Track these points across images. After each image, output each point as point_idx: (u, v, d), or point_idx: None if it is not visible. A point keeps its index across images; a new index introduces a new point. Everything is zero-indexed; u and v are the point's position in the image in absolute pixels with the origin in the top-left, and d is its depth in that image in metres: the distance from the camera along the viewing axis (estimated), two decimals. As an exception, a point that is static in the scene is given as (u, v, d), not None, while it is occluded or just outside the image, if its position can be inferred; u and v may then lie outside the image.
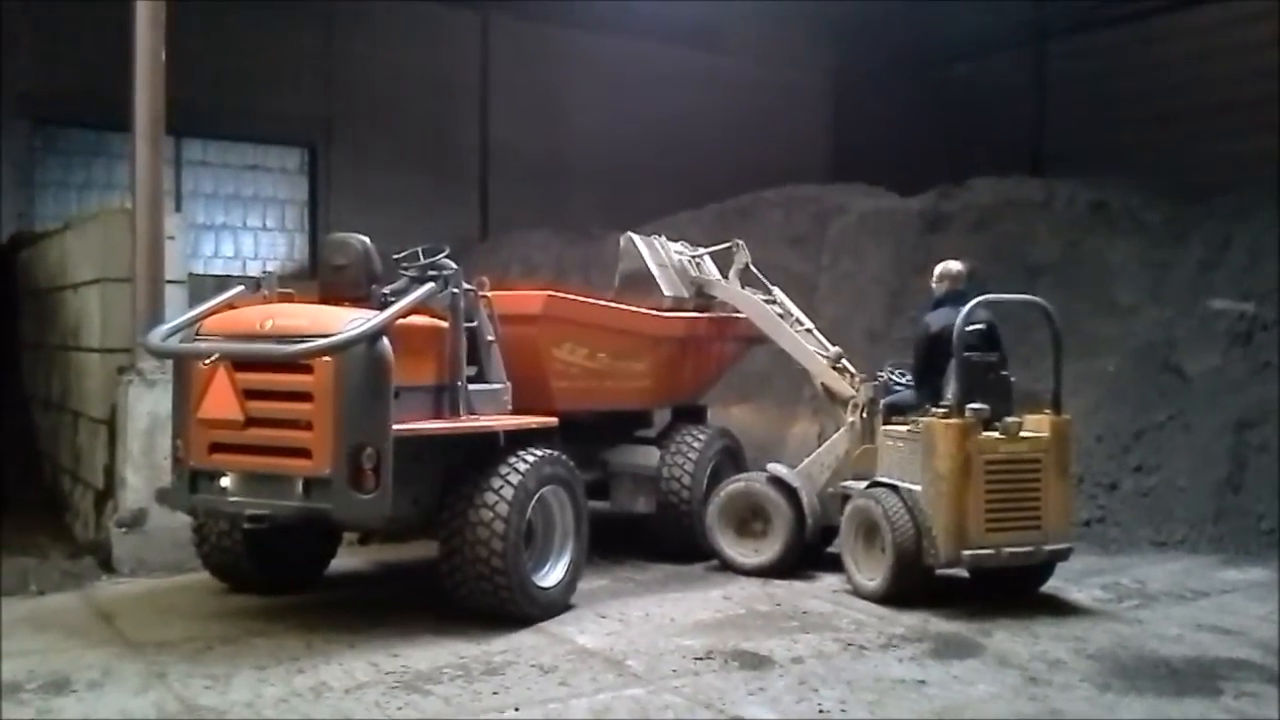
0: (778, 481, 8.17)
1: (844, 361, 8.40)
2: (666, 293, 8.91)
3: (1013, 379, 7.58)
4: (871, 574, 7.37)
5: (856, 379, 8.20)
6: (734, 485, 8.34)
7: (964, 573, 7.41)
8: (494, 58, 18.38)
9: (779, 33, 20.11)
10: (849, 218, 13.52)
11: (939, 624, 6.75)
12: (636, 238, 9.12)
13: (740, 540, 8.27)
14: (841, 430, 8.22)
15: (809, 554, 8.13)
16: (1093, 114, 16.68)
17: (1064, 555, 7.37)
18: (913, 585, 7.17)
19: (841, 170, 17.72)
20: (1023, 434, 7.17)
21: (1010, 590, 7.37)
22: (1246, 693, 5.55)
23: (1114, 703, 5.44)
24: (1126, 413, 10.00)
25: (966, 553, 6.99)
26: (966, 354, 7.22)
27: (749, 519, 8.27)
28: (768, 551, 8.10)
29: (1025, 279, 11.10)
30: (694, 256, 9.41)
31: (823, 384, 8.43)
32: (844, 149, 20.60)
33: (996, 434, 7.11)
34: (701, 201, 15.26)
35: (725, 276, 9.25)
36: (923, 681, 5.69)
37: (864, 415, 8.03)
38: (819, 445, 8.67)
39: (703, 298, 9.23)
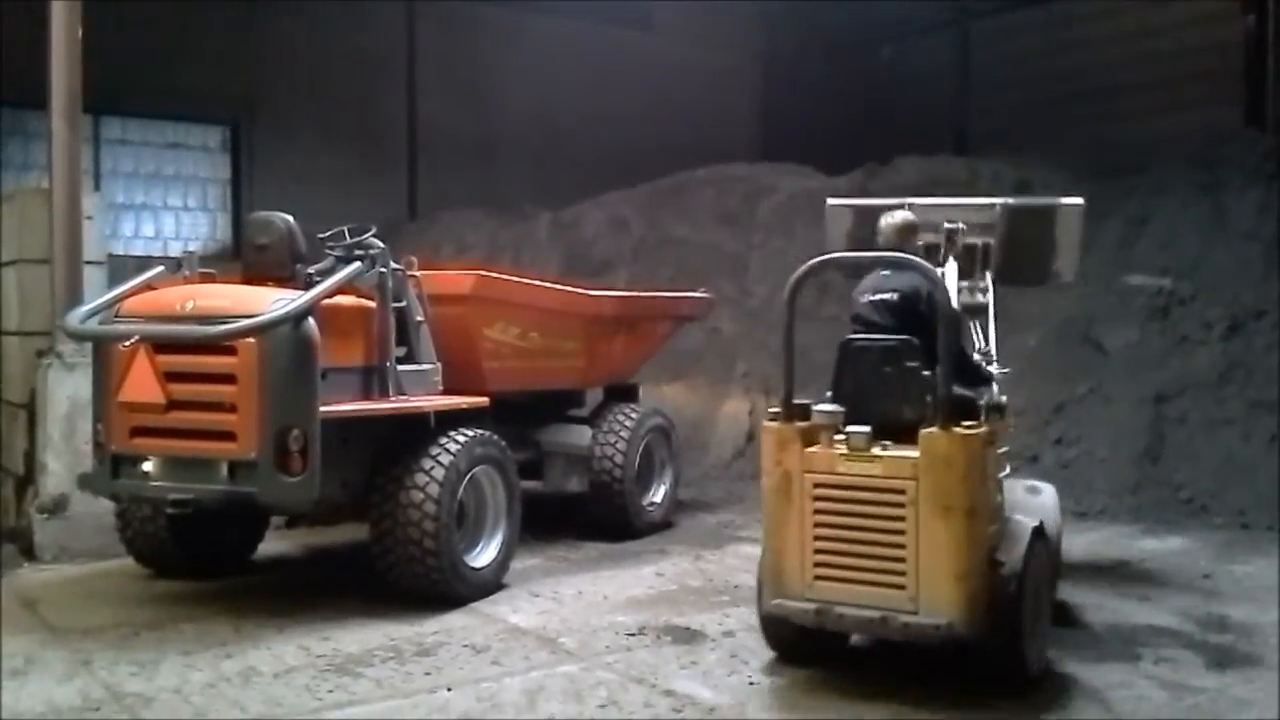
0: None
1: None
2: None
3: (926, 374, 5.11)
4: None
5: None
6: None
7: None
8: (421, 34, 18.14)
9: (709, 15, 20.18)
10: (779, 196, 13.60)
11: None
12: (837, 201, 7.79)
13: None
14: None
15: None
16: (1015, 94, 16.92)
17: (951, 634, 4.75)
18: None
19: (771, 150, 17.78)
20: (879, 451, 4.96)
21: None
22: (1165, 658, 5.70)
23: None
24: (1047, 387, 10.19)
25: (781, 602, 5.15)
26: (852, 336, 5.59)
27: None
28: None
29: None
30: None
31: None
32: (773, 129, 20.69)
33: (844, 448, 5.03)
34: (634, 180, 15.25)
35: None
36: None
37: None
38: (750, 423, 8.65)
39: None
